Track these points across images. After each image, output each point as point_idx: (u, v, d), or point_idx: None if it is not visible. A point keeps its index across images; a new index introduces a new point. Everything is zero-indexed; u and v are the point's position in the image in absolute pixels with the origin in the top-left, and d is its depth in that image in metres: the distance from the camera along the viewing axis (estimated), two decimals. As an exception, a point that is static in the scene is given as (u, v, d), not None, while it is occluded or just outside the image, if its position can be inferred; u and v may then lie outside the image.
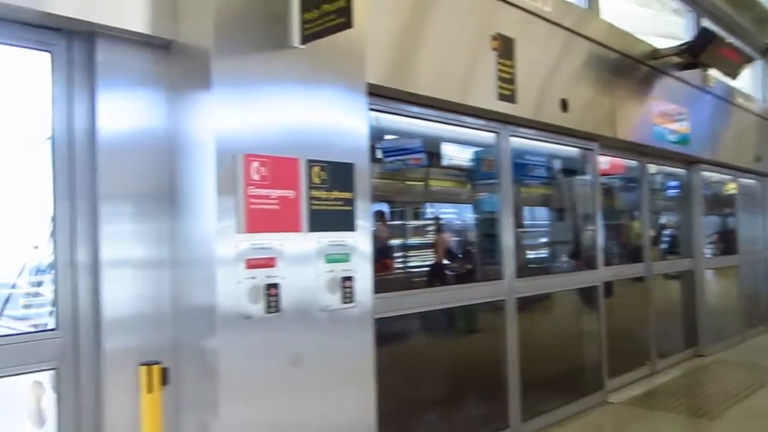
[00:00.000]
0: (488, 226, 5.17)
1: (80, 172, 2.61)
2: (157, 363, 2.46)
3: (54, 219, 2.59)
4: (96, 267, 2.61)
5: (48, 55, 2.60)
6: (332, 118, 2.99)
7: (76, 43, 2.63)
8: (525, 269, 5.02)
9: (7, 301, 3.44)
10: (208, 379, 2.59)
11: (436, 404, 4.24)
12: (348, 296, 2.98)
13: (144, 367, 2.45)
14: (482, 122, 4.64)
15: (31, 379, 3.71)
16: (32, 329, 2.66)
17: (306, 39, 2.79)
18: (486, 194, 5.18)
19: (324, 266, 2.91)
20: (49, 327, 2.58)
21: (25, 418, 2.68)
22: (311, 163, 2.87)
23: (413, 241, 5.23)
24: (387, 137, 4.45)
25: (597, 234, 5.79)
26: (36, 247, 2.79)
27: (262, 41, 2.76)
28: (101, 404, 2.60)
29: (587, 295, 5.72)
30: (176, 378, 2.59)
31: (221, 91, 2.60)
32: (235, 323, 2.60)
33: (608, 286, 5.95)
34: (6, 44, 2.53)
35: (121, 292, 2.65)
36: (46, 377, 2.55)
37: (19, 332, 2.59)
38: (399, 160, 4.85)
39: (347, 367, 3.01)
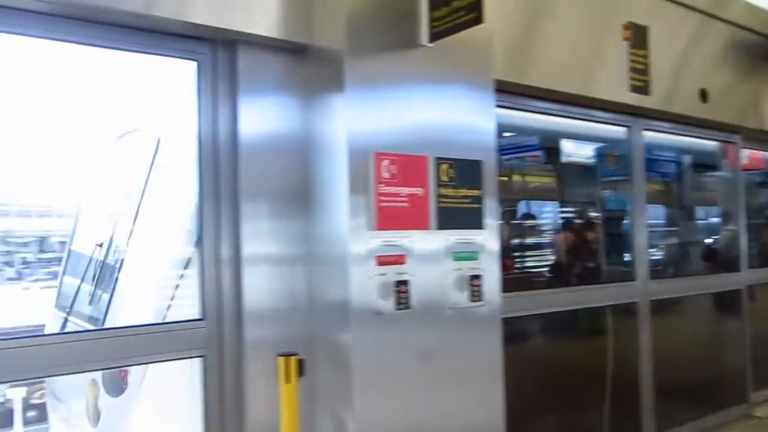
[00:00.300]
0: (615, 225, 4.95)
1: (224, 174, 2.77)
2: (294, 354, 2.57)
3: (200, 218, 2.76)
4: (238, 262, 2.76)
5: (194, 63, 2.79)
6: (460, 115, 2.98)
7: (220, 51, 2.79)
8: (653, 271, 4.74)
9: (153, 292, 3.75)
10: (341, 372, 2.67)
11: (561, 411, 4.10)
12: (476, 295, 2.95)
13: (282, 358, 2.56)
14: (611, 116, 4.43)
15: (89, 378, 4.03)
16: (183, 319, 2.87)
17: (434, 37, 2.79)
18: (611, 191, 4.96)
19: (452, 264, 2.90)
20: (197, 318, 2.76)
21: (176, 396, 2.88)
22: (439, 160, 2.87)
23: (532, 240, 5.12)
24: (503, 134, 4.37)
25: (740, 234, 5.36)
26: (185, 244, 3.00)
27: (391, 41, 2.80)
28: (243, 391, 2.75)
29: (728, 299, 5.30)
30: (310, 369, 2.69)
31: (353, 92, 2.67)
32: (366, 318, 2.65)
33: (751, 290, 5.48)
34: (157, 54, 2.75)
35: (260, 286, 2.78)
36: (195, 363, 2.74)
37: (171, 321, 2.80)
38: (516, 157, 4.76)
39: (475, 366, 2.99)
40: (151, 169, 4.20)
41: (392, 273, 2.71)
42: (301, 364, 2.57)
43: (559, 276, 4.83)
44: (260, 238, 2.80)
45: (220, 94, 2.79)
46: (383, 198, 2.69)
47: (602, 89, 4.09)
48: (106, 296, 4.37)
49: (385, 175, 2.70)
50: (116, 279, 4.32)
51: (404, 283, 2.73)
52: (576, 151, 5.13)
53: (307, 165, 2.87)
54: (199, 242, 2.78)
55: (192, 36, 2.73)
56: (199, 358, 2.73)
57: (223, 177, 2.77)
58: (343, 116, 2.66)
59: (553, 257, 5.14)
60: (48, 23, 2.43)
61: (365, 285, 2.65)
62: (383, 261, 2.69)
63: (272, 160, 2.84)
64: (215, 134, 2.78)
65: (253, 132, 2.80)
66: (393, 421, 2.74)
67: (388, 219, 2.71)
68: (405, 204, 2.77)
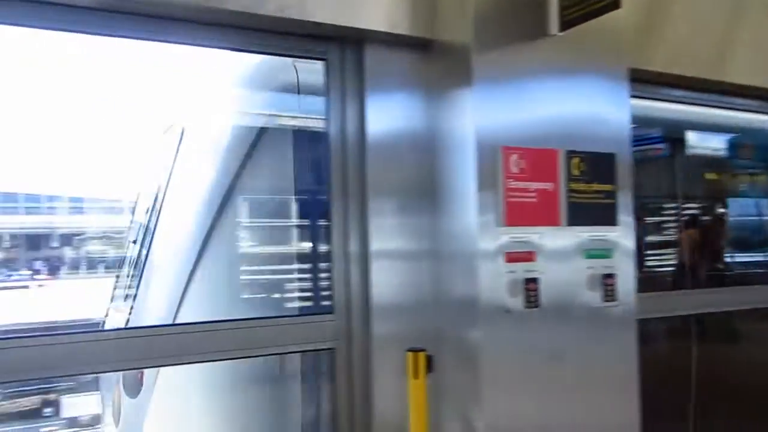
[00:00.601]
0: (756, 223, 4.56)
1: (352, 171, 2.82)
2: (422, 350, 2.58)
3: (329, 214, 2.83)
4: (365, 257, 2.80)
5: (323, 63, 2.86)
6: (591, 106, 2.85)
7: (348, 50, 2.84)
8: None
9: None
10: (469, 370, 2.64)
11: (697, 421, 3.83)
12: (609, 294, 2.81)
13: (411, 354, 2.58)
14: (755, 103, 4.07)
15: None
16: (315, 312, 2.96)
17: (565, 26, 2.69)
18: (747, 186, 4.58)
19: (583, 262, 2.78)
20: (327, 311, 2.83)
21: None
22: (570, 154, 2.76)
23: (657, 237, 4.82)
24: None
25: None
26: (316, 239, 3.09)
27: (519, 32, 2.73)
28: (370, 384, 2.79)
29: None
30: (437, 365, 2.68)
31: (481, 86, 2.62)
32: (495, 316, 2.60)
33: None
34: (288, 56, 2.85)
35: (387, 281, 2.81)
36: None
37: (303, 314, 2.90)
38: (637, 151, 4.49)
39: (608, 369, 2.85)
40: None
41: (521, 270, 2.64)
42: (429, 360, 2.58)
43: (692, 275, 4.52)
44: (387, 233, 2.82)
45: (347, 93, 2.84)
46: (512, 193, 2.63)
47: (739, 73, 3.75)
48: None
49: (514, 170, 2.64)
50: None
51: (534, 280, 2.65)
52: (705, 142, 4.77)
53: (434, 161, 2.86)
54: (330, 238, 2.84)
55: (320, 36, 2.81)
56: (328, 351, 2.80)
57: (351, 174, 2.82)
58: (471, 111, 2.62)
59: (678, 256, 4.82)
60: (189, 30, 2.58)
61: (494, 282, 2.61)
62: (512, 258, 2.63)
63: (399, 156, 2.86)
64: (343, 133, 2.83)
65: (380, 129, 2.83)
66: (522, 423, 2.68)
67: (517, 215, 2.64)
68: (534, 199, 2.69)
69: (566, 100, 2.80)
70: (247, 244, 4.40)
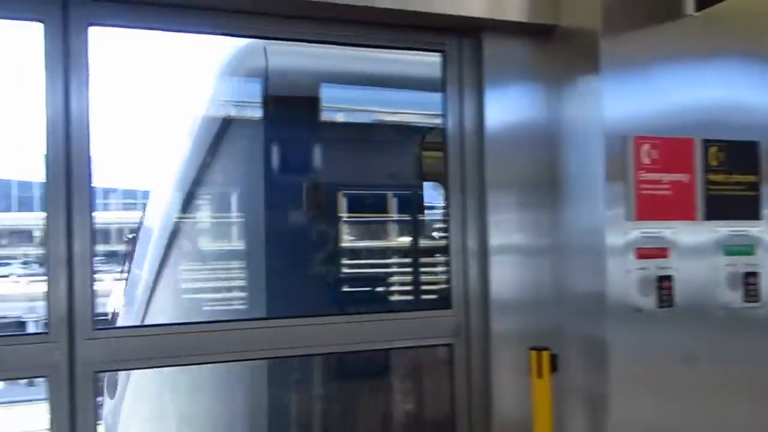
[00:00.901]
0: None
1: (470, 164, 2.77)
2: (546, 349, 2.49)
3: (447, 208, 2.80)
4: (484, 253, 2.74)
5: (441, 54, 2.81)
6: (731, 91, 2.65)
7: (465, 41, 2.79)
8: None
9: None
10: (596, 370, 2.53)
11: None
12: (752, 295, 2.60)
13: (534, 352, 2.50)
14: None
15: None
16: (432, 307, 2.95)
17: (703, 4, 2.50)
18: None
19: (722, 259, 2.59)
20: (444, 306, 2.80)
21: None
22: (707, 143, 2.57)
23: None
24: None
25: None
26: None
27: (650, 14, 2.57)
28: (489, 382, 2.73)
29: None
30: (560, 364, 2.59)
31: (609, 73, 2.49)
32: (624, 315, 2.48)
33: None
34: (406, 49, 2.82)
35: (506, 277, 2.75)
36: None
37: (421, 308, 2.89)
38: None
39: (748, 375, 2.65)
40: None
41: (654, 267, 2.49)
42: (553, 359, 2.49)
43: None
44: (506, 228, 2.75)
45: (465, 85, 2.79)
46: (644, 186, 2.48)
47: None
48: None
49: (646, 160, 2.49)
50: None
51: (667, 278, 2.50)
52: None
53: (555, 153, 2.75)
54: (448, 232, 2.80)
55: (438, 27, 2.76)
56: (446, 346, 2.78)
57: (469, 168, 2.77)
58: (599, 100, 2.49)
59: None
60: (304, 26, 2.61)
61: (623, 279, 2.47)
62: (644, 254, 2.48)
63: (518, 149, 2.78)
64: (461, 124, 2.79)
65: (499, 121, 2.76)
66: (651, 428, 2.54)
67: (648, 208, 2.49)
68: (668, 192, 2.52)
69: (703, 86, 2.61)
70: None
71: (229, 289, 4.32)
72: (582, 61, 2.58)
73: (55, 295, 2.26)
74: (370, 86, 4.01)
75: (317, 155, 3.90)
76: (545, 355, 2.48)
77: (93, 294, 2.32)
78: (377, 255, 4.71)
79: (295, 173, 3.81)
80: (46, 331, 2.27)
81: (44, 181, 2.27)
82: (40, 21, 2.30)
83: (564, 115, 2.71)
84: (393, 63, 3.55)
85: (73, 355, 2.27)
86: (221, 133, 3.95)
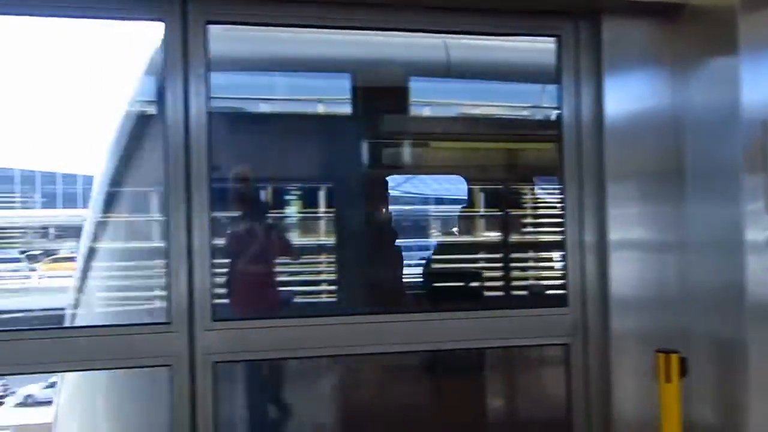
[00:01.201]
0: None
1: (587, 155, 2.63)
2: (675, 352, 2.33)
3: (564, 201, 2.67)
4: (603, 248, 2.60)
5: (556, 39, 2.68)
6: None
7: (582, 24, 2.64)
8: None
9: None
10: (731, 373, 2.34)
11: None
12: None
13: (662, 355, 2.34)
14: None
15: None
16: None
17: None
18: None
19: None
20: (560, 303, 2.68)
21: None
22: None
23: None
24: None
25: None
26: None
27: (795, -13, 2.34)
28: (608, 382, 2.59)
29: None
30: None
31: (749, 53, 2.29)
32: (766, 316, 2.28)
33: None
34: (519, 35, 2.72)
35: (627, 274, 2.59)
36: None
37: (536, 306, 2.78)
38: None
39: None
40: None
41: (799, 264, 2.28)
42: (683, 362, 2.33)
43: None
44: (627, 222, 2.60)
45: (582, 71, 2.65)
46: (788, 176, 2.27)
47: None
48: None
49: (790, 148, 2.27)
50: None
51: (814, 276, 2.28)
52: None
53: (680, 142, 2.57)
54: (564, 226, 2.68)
55: (552, 11, 2.64)
56: (562, 346, 2.66)
57: (587, 159, 2.63)
58: (737, 83, 2.30)
59: None
60: (412, 14, 2.55)
61: (763, 278, 2.28)
62: (788, 251, 2.27)
63: (639, 139, 2.62)
64: (578, 112, 2.65)
65: (618, 108, 2.61)
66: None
67: (794, 201, 2.27)
68: (815, 182, 2.29)
69: None
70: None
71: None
72: (716, 42, 2.39)
73: (177, 286, 2.33)
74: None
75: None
76: (674, 358, 2.32)
77: (212, 285, 2.37)
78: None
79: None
80: (168, 321, 2.34)
81: (164, 180, 2.34)
82: (160, 20, 2.36)
83: (692, 100, 2.52)
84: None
85: (194, 345, 2.33)
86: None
